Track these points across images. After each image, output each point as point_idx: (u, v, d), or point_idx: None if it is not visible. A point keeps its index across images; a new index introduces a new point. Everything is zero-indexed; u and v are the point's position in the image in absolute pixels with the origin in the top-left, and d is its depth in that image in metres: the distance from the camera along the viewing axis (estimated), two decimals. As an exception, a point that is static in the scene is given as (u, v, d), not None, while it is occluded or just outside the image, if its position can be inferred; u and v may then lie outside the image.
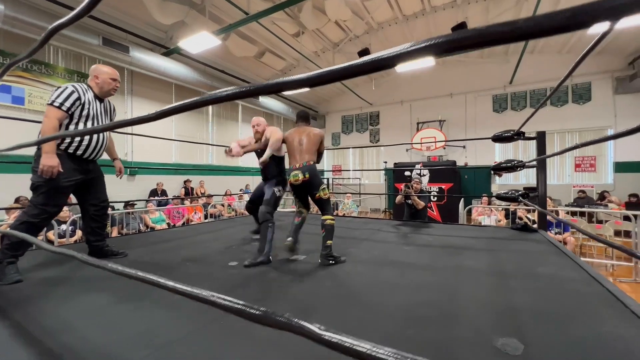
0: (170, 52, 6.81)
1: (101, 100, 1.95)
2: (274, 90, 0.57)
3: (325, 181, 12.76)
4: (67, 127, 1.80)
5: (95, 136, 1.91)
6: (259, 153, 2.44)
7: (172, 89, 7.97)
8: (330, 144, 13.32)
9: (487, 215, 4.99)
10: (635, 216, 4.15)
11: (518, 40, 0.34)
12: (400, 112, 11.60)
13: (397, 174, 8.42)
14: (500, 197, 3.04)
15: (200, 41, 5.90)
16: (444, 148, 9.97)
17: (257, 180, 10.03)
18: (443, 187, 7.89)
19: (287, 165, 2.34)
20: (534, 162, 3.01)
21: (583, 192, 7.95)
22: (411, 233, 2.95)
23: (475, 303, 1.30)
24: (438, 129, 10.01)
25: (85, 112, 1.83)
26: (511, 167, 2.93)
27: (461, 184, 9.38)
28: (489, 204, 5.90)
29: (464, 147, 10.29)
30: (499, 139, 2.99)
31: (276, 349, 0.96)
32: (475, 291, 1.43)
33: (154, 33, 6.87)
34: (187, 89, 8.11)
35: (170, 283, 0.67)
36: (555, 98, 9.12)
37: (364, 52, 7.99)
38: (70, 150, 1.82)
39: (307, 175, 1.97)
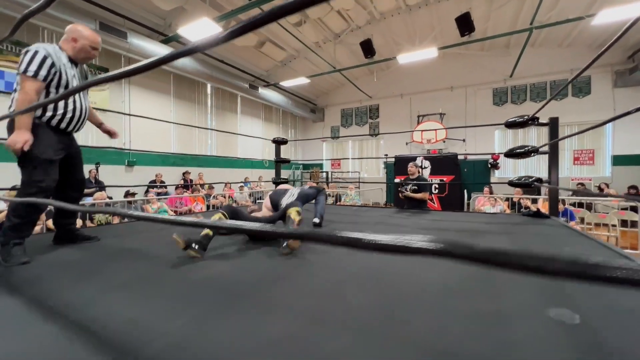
0: (169, 39, 6.64)
1: (76, 64, 1.72)
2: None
3: (324, 175, 12.79)
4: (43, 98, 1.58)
5: (77, 106, 1.71)
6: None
7: (170, 78, 7.79)
8: (329, 137, 13.25)
9: (492, 205, 4.99)
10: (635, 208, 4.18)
11: None
12: (400, 105, 11.56)
13: (398, 167, 8.39)
14: (513, 184, 3.02)
15: (200, 28, 5.75)
16: (444, 141, 9.97)
17: (255, 173, 9.96)
18: (444, 179, 7.90)
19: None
20: (546, 148, 3.00)
21: (582, 184, 8.04)
22: (422, 219, 2.91)
23: (512, 279, 1.26)
24: (439, 121, 9.99)
25: (61, 80, 1.61)
26: (524, 152, 2.91)
27: (461, 176, 9.41)
28: (491, 193, 5.90)
29: (463, 140, 10.31)
30: (512, 124, 2.95)
31: (314, 321, 0.91)
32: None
33: (153, 19, 6.68)
34: (186, 78, 7.94)
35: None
36: (556, 92, 9.15)
37: (366, 43, 7.90)
38: (53, 123, 1.63)
39: None
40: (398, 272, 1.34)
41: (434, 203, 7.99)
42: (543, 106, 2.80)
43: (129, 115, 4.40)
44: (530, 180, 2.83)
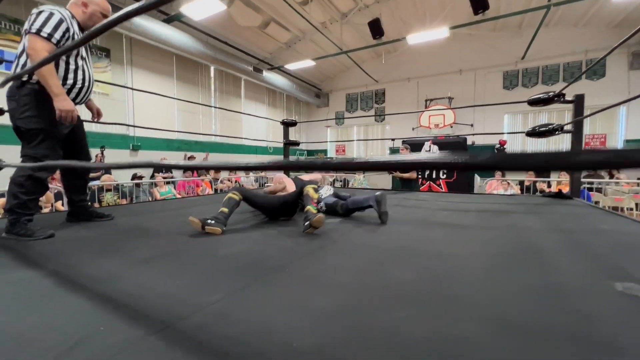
0: (171, 18, 6.41)
1: (82, 31, 1.60)
2: None
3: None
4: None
5: (86, 77, 1.62)
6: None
7: (173, 60, 7.59)
8: (333, 123, 13.05)
9: (504, 189, 4.90)
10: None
11: None
12: (406, 89, 11.29)
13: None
14: (531, 134, 2.82)
15: (203, 6, 5.53)
16: (451, 126, 9.77)
17: (260, 158, 9.90)
18: (453, 164, 7.75)
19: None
20: (570, 127, 2.87)
21: (559, 125, 7.89)
22: (439, 201, 2.83)
23: (564, 255, 1.18)
24: (447, 106, 9.77)
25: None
26: (548, 131, 2.79)
27: (469, 162, 9.27)
28: (503, 176, 5.80)
29: (471, 125, 10.11)
30: (537, 101, 2.81)
31: (361, 295, 0.84)
32: (554, 245, 1.32)
33: (153, -2, 6.42)
34: (189, 60, 7.74)
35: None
36: (569, 74, 8.88)
37: (374, 22, 7.61)
38: None
39: None
40: (437, 249, 1.27)
41: (441, 188, 7.91)
42: (572, 82, 2.65)
43: (132, 89, 4.29)
44: (552, 127, 2.67)
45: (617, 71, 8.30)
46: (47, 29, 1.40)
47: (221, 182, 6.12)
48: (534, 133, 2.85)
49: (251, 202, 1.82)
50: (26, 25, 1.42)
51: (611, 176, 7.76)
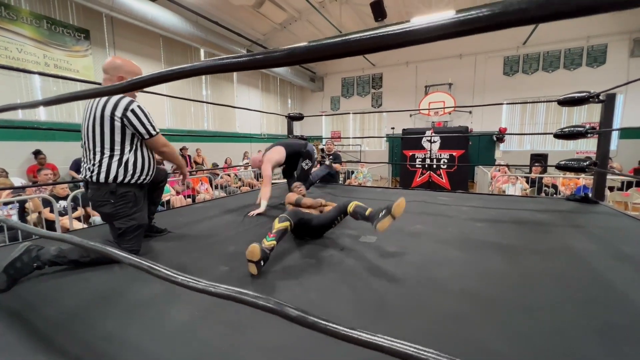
0: (157, -5, 5.81)
1: None
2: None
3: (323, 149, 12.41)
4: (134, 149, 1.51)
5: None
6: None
7: (159, 42, 6.99)
8: (329, 109, 12.68)
9: (512, 183, 4.85)
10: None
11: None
12: (405, 74, 10.98)
13: (405, 140, 8.10)
14: (561, 167, 2.80)
15: (194, -18, 5.00)
16: (450, 114, 9.62)
17: (255, 147, 9.58)
18: (454, 154, 7.68)
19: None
20: (602, 130, 2.76)
21: (589, 158, 8.00)
22: (463, 205, 2.69)
23: (628, 290, 1.06)
24: (448, 92, 9.56)
25: None
26: (577, 133, 2.66)
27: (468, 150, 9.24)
28: (509, 168, 5.76)
29: (470, 112, 10.00)
30: (569, 101, 2.66)
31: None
32: (614, 278, 1.19)
33: (136, -29, 5.77)
34: (178, 43, 7.16)
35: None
36: (569, 61, 8.78)
37: (377, 3, 7.17)
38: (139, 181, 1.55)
39: None
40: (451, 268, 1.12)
41: (442, 179, 7.86)
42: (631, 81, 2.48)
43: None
44: (586, 164, 2.61)
45: (618, 58, 8.24)
46: (156, 126, 1.52)
47: (220, 177, 5.82)
48: (562, 135, 2.72)
49: (302, 228, 1.61)
50: (135, 127, 1.44)
51: (606, 165, 7.91)
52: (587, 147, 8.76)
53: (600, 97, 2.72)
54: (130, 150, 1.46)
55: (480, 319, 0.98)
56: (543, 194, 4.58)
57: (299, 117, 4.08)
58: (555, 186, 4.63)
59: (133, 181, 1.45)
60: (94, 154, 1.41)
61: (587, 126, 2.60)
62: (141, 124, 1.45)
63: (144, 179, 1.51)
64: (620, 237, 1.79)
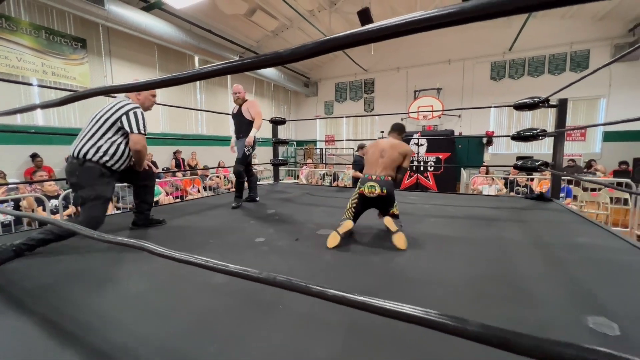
0: (151, 6, 6.07)
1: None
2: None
3: (318, 152, 12.66)
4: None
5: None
6: (238, 118, 2.92)
7: (154, 50, 7.25)
8: (323, 113, 12.92)
9: (489, 184, 5.04)
10: (629, 185, 4.29)
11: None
12: (396, 79, 11.22)
13: (394, 144, 8.31)
14: (518, 167, 3.00)
15: (185, -6, 5.26)
16: (439, 117, 9.86)
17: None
18: (440, 156, 7.90)
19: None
20: (554, 132, 2.96)
21: (573, 160, 8.19)
22: (427, 204, 2.90)
23: (538, 278, 1.26)
24: (436, 97, 9.80)
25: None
26: (532, 135, 2.86)
27: (456, 153, 9.45)
28: (487, 173, 5.96)
29: (459, 116, 10.22)
30: (522, 106, 2.87)
31: (313, 322, 0.88)
32: (532, 265, 1.39)
33: (131, -17, 6.05)
34: (172, 51, 7.41)
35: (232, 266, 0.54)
36: (554, 66, 9.02)
37: (363, 12, 7.43)
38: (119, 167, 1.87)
39: (384, 191, 1.77)
40: (415, 269, 1.32)
41: (429, 181, 8.06)
42: (568, 86, 2.70)
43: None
44: (537, 164, 2.81)
45: (600, 63, 8.46)
46: (145, 128, 1.86)
47: (210, 179, 6.03)
48: (518, 137, 2.93)
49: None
50: (128, 123, 1.79)
51: (589, 167, 8.09)
52: (572, 150, 8.97)
53: (551, 102, 2.94)
54: (109, 140, 1.78)
55: (399, 291, 1.18)
56: (513, 193, 4.77)
57: (282, 122, 4.30)
58: (527, 186, 4.83)
59: (102, 162, 1.74)
60: (85, 135, 1.76)
61: (539, 129, 2.80)
62: (136, 122, 1.83)
63: (114, 165, 1.79)
64: (548, 229, 1.99)
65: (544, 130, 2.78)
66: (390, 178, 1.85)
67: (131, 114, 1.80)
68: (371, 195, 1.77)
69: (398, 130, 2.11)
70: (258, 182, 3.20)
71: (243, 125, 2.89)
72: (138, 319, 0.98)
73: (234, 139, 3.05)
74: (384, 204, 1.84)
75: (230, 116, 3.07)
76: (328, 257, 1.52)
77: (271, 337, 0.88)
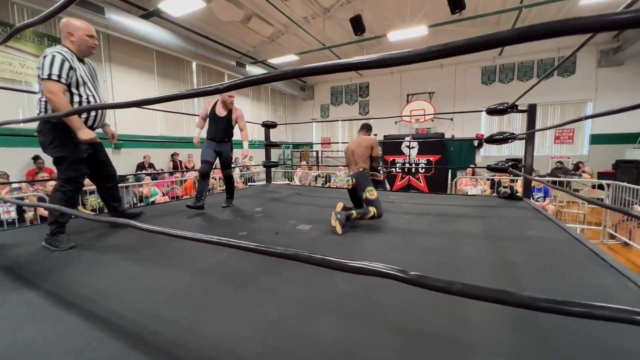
0: (149, 14, 6.30)
1: (82, 61, 1.79)
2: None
3: (314, 154, 12.85)
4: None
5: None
6: (225, 123, 2.95)
7: (153, 56, 7.48)
8: (319, 116, 13.16)
9: (473, 185, 5.24)
10: (608, 185, 4.50)
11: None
12: (390, 83, 11.48)
13: (387, 146, 8.54)
14: (490, 168, 3.20)
15: (181, 3, 5.49)
16: (432, 120, 10.08)
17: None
18: (431, 159, 8.11)
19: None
20: (524, 135, 3.17)
21: (561, 162, 8.40)
22: (407, 203, 3.10)
23: (476, 262, 1.45)
24: (427, 101, 10.04)
25: (77, 79, 1.71)
26: (503, 139, 3.07)
27: (448, 156, 9.65)
28: (474, 174, 6.16)
29: (451, 119, 10.45)
30: (493, 111, 3.08)
31: (304, 304, 1.07)
32: (476, 252, 1.59)
33: (130, -8, 6.28)
34: (171, 57, 7.64)
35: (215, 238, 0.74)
36: (542, 71, 9.26)
37: (356, 19, 7.69)
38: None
39: (354, 180, 2.26)
40: (365, 255, 1.51)
41: (420, 182, 8.26)
42: (525, 93, 2.91)
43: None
44: (507, 165, 3.01)
45: (587, 68, 8.72)
46: (54, 71, 1.59)
47: (205, 180, 6.21)
48: (490, 140, 3.13)
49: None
50: (38, 72, 1.61)
51: (577, 168, 8.30)
52: (560, 152, 9.18)
53: (521, 107, 3.14)
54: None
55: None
56: (495, 194, 4.96)
57: (273, 125, 4.50)
58: (511, 187, 5.02)
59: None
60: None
61: (507, 133, 3.00)
62: (43, 66, 1.60)
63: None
64: (505, 224, 2.19)
65: (513, 134, 2.99)
66: (362, 169, 2.27)
67: (41, 58, 1.60)
68: (350, 187, 2.30)
69: (365, 128, 2.48)
70: (252, 183, 3.39)
71: (229, 130, 2.98)
72: (127, 292, 1.17)
73: (199, 132, 3.09)
74: (357, 190, 2.28)
75: (208, 117, 2.98)
76: (301, 247, 1.71)
77: (240, 305, 1.07)
